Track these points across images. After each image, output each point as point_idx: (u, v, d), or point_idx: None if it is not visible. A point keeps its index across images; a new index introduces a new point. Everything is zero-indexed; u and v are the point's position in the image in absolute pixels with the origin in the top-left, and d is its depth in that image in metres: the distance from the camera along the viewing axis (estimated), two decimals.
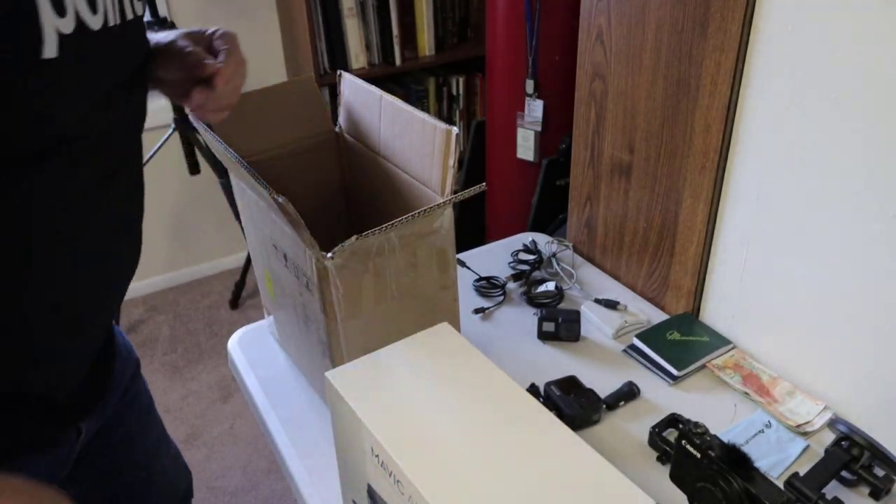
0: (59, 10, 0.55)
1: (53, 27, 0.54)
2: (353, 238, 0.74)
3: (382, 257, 0.82)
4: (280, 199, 0.73)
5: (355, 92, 0.99)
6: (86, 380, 0.81)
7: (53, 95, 0.56)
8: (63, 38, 0.55)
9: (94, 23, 0.59)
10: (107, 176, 0.69)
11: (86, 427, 0.86)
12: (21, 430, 0.75)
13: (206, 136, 0.90)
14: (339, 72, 1.04)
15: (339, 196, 1.10)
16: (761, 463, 0.87)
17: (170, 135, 2.31)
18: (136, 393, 0.98)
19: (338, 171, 1.08)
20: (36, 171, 0.59)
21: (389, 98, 0.91)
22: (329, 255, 0.76)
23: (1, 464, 0.73)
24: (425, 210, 0.78)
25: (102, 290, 0.74)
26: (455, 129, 0.80)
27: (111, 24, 0.62)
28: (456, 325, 0.97)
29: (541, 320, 1.11)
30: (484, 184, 0.83)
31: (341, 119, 1.04)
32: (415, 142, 0.87)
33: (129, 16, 0.66)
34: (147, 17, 2.19)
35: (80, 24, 0.57)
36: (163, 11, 2.29)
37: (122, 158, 0.73)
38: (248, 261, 2.59)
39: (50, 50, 0.54)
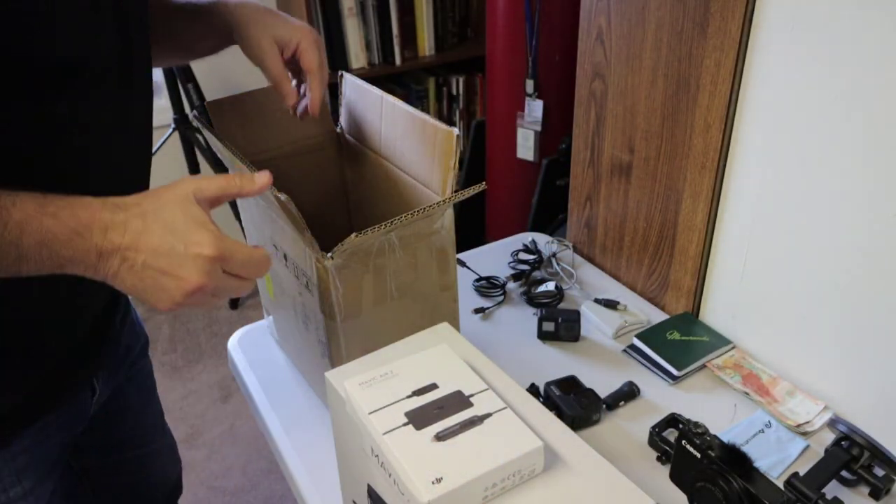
0: None
1: None
2: (353, 236, 0.74)
3: (382, 257, 0.82)
4: (282, 198, 0.73)
5: (356, 92, 0.99)
6: (97, 332, 0.84)
7: (46, 21, 0.59)
8: None
9: None
10: (119, 112, 0.73)
11: (100, 387, 0.89)
12: (41, 387, 0.78)
13: (207, 135, 0.90)
14: (340, 72, 1.04)
15: (340, 197, 1.10)
16: (761, 463, 0.87)
17: (169, 134, 2.31)
18: (142, 369, 1.03)
19: (339, 171, 1.08)
20: (47, 108, 0.63)
21: (391, 99, 0.91)
22: (329, 255, 0.76)
23: (25, 424, 0.79)
24: (425, 209, 0.78)
25: None
26: (456, 131, 0.80)
27: None
28: (456, 325, 0.97)
29: (541, 320, 1.11)
30: (483, 183, 0.83)
31: (342, 119, 1.04)
32: (416, 143, 0.87)
33: None
34: None
35: None
36: None
37: (132, 93, 0.75)
38: None
39: None
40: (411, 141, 0.88)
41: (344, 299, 0.81)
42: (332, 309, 0.81)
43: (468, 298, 1.22)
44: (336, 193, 1.10)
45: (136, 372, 1.01)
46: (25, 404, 0.77)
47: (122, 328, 0.93)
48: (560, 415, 0.93)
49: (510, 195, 2.27)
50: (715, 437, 0.77)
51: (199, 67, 2.29)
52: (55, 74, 0.63)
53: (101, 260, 0.59)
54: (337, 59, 2.41)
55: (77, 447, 0.93)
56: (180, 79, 2.23)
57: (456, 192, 0.81)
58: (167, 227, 0.59)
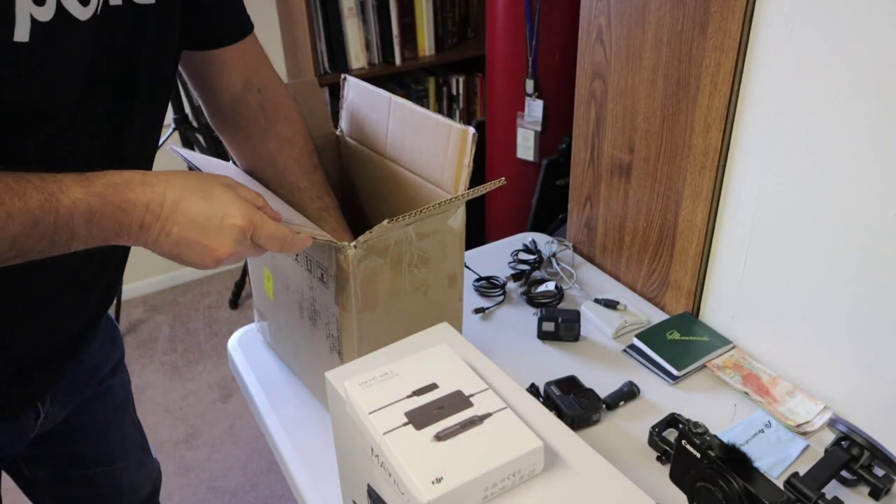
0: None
1: (28, 14, 0.57)
2: (385, 222, 0.75)
3: (399, 250, 0.83)
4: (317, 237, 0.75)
5: (361, 95, 0.99)
6: (43, 361, 0.82)
7: (24, 76, 0.60)
8: (37, 25, 0.58)
9: (82, 13, 0.62)
10: (110, 157, 0.73)
11: (45, 410, 0.88)
12: None
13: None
14: (343, 76, 1.03)
15: (338, 198, 1.11)
16: (761, 463, 0.87)
17: (169, 135, 2.31)
18: (111, 388, 1.01)
19: (337, 173, 1.08)
20: (21, 143, 0.63)
21: (399, 100, 0.92)
22: (353, 244, 0.77)
23: None
24: (441, 203, 0.80)
25: (70, 273, 0.77)
26: (472, 130, 0.81)
27: (99, 12, 0.64)
28: (460, 321, 0.97)
29: (541, 320, 1.11)
30: (503, 179, 0.85)
31: (343, 122, 1.04)
32: (427, 143, 0.88)
33: (116, 1, 0.66)
34: None
35: (62, 12, 0.60)
36: None
37: (125, 144, 0.75)
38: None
39: (21, 34, 0.57)
40: (422, 141, 0.89)
41: (362, 290, 0.81)
42: (349, 300, 0.81)
43: (468, 298, 1.22)
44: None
45: (106, 389, 1.00)
46: None
47: (84, 350, 0.92)
48: (560, 415, 0.93)
49: (510, 195, 2.27)
50: (715, 437, 0.77)
51: None
52: (22, 119, 0.63)
53: (142, 230, 0.64)
54: (337, 59, 2.41)
55: (29, 458, 0.93)
56: (180, 79, 2.23)
57: (471, 188, 0.82)
58: (205, 199, 0.65)
